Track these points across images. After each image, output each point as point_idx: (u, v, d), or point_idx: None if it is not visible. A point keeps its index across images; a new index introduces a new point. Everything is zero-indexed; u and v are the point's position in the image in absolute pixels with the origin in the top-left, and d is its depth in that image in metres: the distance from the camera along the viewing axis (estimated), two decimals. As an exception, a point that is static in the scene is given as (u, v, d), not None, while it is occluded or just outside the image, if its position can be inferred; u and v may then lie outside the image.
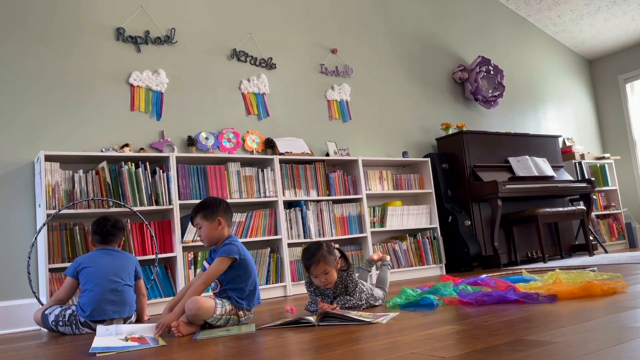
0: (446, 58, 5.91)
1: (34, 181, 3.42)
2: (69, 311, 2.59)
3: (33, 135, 3.50)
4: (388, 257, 3.04)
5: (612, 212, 6.52)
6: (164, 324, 2.12)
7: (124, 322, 2.67)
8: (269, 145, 4.34)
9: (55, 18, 3.72)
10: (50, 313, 2.62)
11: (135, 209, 3.44)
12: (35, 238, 3.09)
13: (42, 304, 2.90)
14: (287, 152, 4.25)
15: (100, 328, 2.09)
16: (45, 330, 2.70)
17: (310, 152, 4.40)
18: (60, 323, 2.59)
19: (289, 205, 4.20)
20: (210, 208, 2.39)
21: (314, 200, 4.27)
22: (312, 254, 2.42)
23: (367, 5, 5.42)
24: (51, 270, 3.15)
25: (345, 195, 4.44)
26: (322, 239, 4.18)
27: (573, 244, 5.60)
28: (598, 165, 6.56)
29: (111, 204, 3.38)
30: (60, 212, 3.14)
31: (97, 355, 1.83)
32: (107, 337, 2.02)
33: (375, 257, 3.08)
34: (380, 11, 5.51)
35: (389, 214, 4.64)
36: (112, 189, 3.43)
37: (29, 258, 2.94)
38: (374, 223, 4.56)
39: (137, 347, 1.92)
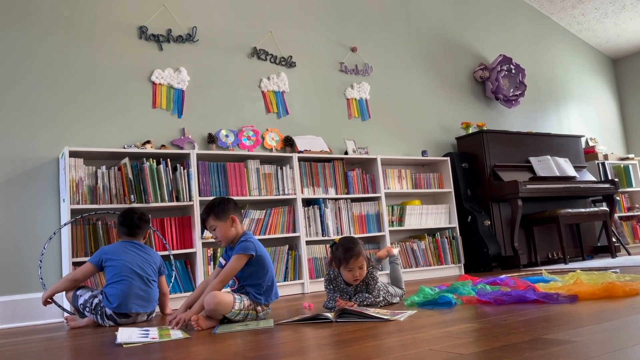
0: (467, 56, 5.86)
1: (59, 176, 3.50)
2: (96, 300, 2.64)
3: (58, 131, 3.57)
4: (395, 251, 2.99)
5: (635, 213, 6.39)
6: (183, 318, 2.15)
7: (147, 318, 2.71)
8: (288, 143, 4.36)
9: (80, 16, 3.80)
10: (80, 295, 2.68)
11: (156, 205, 3.50)
12: (54, 233, 3.16)
13: (55, 302, 2.93)
14: (306, 150, 4.27)
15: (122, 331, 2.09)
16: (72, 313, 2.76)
17: (329, 151, 4.41)
18: (87, 309, 2.65)
19: (307, 203, 4.22)
20: (221, 207, 2.40)
21: (332, 199, 4.28)
22: (354, 247, 2.39)
23: (388, 3, 5.41)
24: (74, 263, 3.21)
25: (363, 193, 4.44)
26: (340, 237, 4.19)
27: (595, 245, 5.52)
28: (622, 165, 6.45)
29: (133, 199, 3.43)
30: (84, 207, 3.22)
31: (124, 346, 1.87)
32: (131, 329, 2.06)
33: (382, 254, 3.02)
34: (401, 9, 5.49)
35: (407, 213, 4.63)
36: (134, 185, 3.48)
37: (44, 248, 3.01)
38: (392, 222, 4.56)
39: (162, 339, 1.96)
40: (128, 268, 2.66)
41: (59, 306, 2.92)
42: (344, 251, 2.39)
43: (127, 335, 1.99)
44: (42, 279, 2.95)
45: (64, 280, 2.76)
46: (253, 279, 2.34)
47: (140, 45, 4.00)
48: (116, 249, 2.75)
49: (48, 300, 2.72)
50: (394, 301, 2.54)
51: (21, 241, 3.35)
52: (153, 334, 2.02)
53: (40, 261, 3.00)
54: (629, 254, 5.51)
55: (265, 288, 2.34)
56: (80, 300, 2.67)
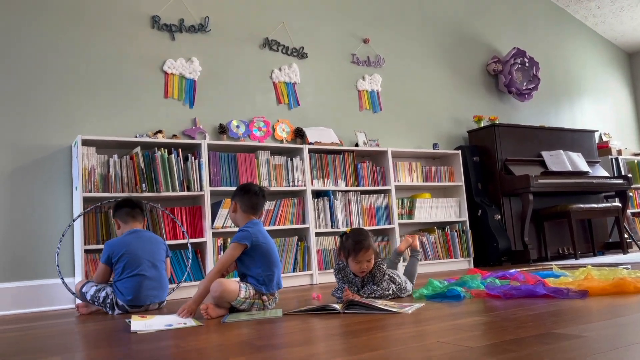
0: (480, 49, 5.81)
1: (71, 165, 3.53)
2: (102, 293, 2.66)
3: (71, 120, 3.60)
4: (418, 245, 2.96)
5: (648, 210, 6.32)
6: (187, 310, 2.17)
7: (159, 306, 2.74)
8: (299, 134, 4.36)
9: (93, 5, 3.81)
10: (87, 292, 2.71)
11: (167, 194, 3.53)
12: (73, 221, 3.19)
13: (65, 284, 2.97)
14: (317, 142, 4.27)
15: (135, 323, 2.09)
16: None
17: (339, 142, 4.40)
18: (96, 303, 2.68)
19: (317, 194, 4.22)
20: (236, 190, 2.49)
21: (342, 191, 4.28)
22: (363, 239, 2.38)
23: (401, -5, 5.36)
24: (86, 251, 3.25)
25: (373, 186, 4.43)
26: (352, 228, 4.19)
27: (606, 241, 5.47)
28: (636, 161, 6.37)
29: (144, 188, 3.46)
30: (96, 196, 3.25)
31: (139, 332, 1.89)
32: (152, 321, 2.09)
33: (403, 246, 2.96)
34: (414, 0, 5.44)
35: (417, 206, 4.62)
36: (146, 174, 3.50)
37: (62, 235, 3.04)
38: (402, 215, 4.55)
39: (176, 326, 1.98)
40: (140, 259, 2.66)
41: (73, 293, 2.97)
42: (353, 243, 2.39)
43: (143, 325, 2.01)
44: (58, 266, 2.98)
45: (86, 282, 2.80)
46: (252, 268, 2.34)
47: (152, 34, 4.01)
48: (122, 242, 2.72)
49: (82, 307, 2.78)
50: (403, 295, 2.53)
51: (34, 228, 3.39)
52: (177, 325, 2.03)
53: (58, 248, 3.02)
54: (641, 250, 5.46)
55: (265, 277, 2.33)
56: (88, 297, 2.70)
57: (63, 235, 3.05)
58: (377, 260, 2.46)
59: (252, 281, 2.32)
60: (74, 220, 3.16)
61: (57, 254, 3.00)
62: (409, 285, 2.58)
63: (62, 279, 2.94)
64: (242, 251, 2.32)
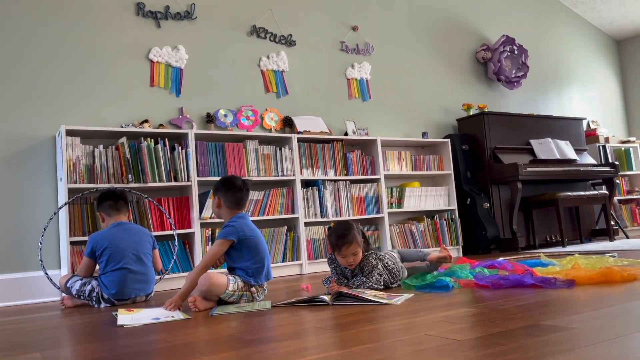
0: (469, 37, 5.79)
1: (56, 155, 3.47)
2: (88, 287, 2.64)
3: (54, 109, 3.54)
4: (451, 257, 2.60)
5: (635, 197, 6.39)
6: (173, 304, 2.15)
7: (146, 299, 2.71)
8: (288, 123, 4.33)
9: (76, -7, 3.73)
10: (72, 287, 2.68)
11: (154, 184, 3.48)
12: (55, 213, 3.14)
13: (49, 278, 2.91)
14: (306, 131, 4.24)
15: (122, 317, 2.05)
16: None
17: (328, 131, 4.38)
18: (82, 297, 2.65)
19: (306, 184, 4.20)
20: (217, 185, 2.43)
21: (331, 180, 4.27)
22: (346, 234, 2.37)
23: (390, -19, 5.31)
24: (72, 243, 3.21)
25: (363, 175, 4.42)
26: (339, 219, 4.19)
27: (593, 228, 5.52)
28: (623, 149, 6.42)
29: (130, 179, 3.41)
30: (82, 187, 3.20)
31: (125, 326, 1.87)
32: (139, 314, 2.06)
33: (435, 257, 2.61)
34: (403, -12, 5.39)
35: (406, 195, 4.62)
36: (132, 164, 3.46)
37: (44, 229, 2.99)
38: (391, 204, 4.55)
39: (163, 320, 1.96)
40: (123, 252, 2.63)
41: (57, 287, 2.93)
42: (336, 238, 2.38)
43: (130, 318, 1.98)
44: (41, 261, 2.93)
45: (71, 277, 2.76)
46: (240, 262, 2.32)
47: (137, 22, 3.94)
48: (107, 235, 2.69)
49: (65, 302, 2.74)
50: (393, 286, 2.52)
51: (18, 220, 3.34)
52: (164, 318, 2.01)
53: (41, 243, 2.98)
54: (627, 237, 5.51)
55: (254, 270, 2.32)
56: (73, 291, 2.67)
57: (45, 229, 3.00)
58: (367, 253, 2.45)
59: (240, 273, 2.31)
60: (55, 213, 3.11)
61: (40, 249, 2.95)
62: (404, 273, 2.58)
63: (46, 273, 2.89)
64: (228, 247, 2.30)
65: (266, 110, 4.32)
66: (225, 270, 2.42)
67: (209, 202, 3.63)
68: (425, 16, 5.49)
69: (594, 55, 7.02)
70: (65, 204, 3.15)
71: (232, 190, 2.39)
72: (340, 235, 2.38)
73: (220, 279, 2.21)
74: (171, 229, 3.48)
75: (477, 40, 5.83)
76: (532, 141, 5.20)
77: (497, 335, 1.30)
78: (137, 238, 2.74)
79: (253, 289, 2.31)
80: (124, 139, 3.48)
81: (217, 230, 3.68)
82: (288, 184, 4.11)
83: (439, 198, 4.80)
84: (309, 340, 1.48)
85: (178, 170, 3.62)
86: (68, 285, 2.70)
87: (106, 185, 3.33)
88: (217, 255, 2.30)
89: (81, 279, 2.69)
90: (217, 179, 2.80)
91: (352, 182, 4.38)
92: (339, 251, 2.38)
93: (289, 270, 3.94)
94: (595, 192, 5.22)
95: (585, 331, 1.29)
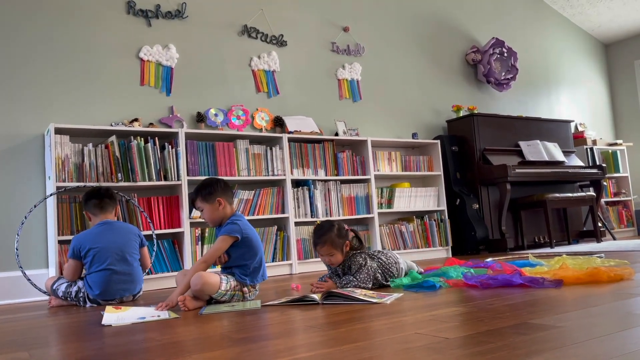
0: (459, 39, 5.82)
1: (44, 154, 3.44)
2: (74, 288, 2.62)
3: (43, 107, 3.50)
4: None
5: (622, 199, 6.46)
6: (168, 304, 2.14)
7: (133, 299, 2.69)
8: (278, 123, 4.32)
9: (66, -10, 3.70)
10: (57, 289, 2.65)
11: (143, 184, 3.47)
12: (35, 206, 3.09)
13: (27, 277, 2.89)
14: (296, 131, 4.24)
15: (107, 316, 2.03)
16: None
17: (319, 132, 4.38)
18: (69, 299, 2.63)
19: (296, 184, 4.20)
20: (208, 190, 2.38)
21: (322, 180, 4.27)
22: (322, 234, 2.44)
23: (381, -17, 5.33)
24: (60, 242, 3.18)
25: (353, 175, 4.43)
26: (329, 219, 4.19)
27: (581, 230, 5.57)
28: (610, 151, 6.49)
29: (120, 178, 3.39)
30: (69, 186, 3.18)
31: (112, 325, 1.86)
32: (125, 314, 2.05)
33: None
34: (394, -11, 5.41)
35: (396, 196, 4.63)
36: (121, 163, 3.44)
37: (22, 223, 2.95)
38: (381, 204, 4.56)
39: (150, 319, 1.95)
40: (107, 252, 2.59)
41: (39, 289, 2.90)
42: (313, 237, 2.49)
43: (115, 318, 1.97)
44: (18, 256, 2.89)
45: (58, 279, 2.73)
46: (240, 260, 2.33)
47: (128, 20, 3.91)
48: (92, 235, 2.66)
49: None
50: (386, 283, 2.52)
51: (5, 219, 3.30)
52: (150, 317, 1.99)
53: (18, 234, 2.94)
54: (614, 238, 5.58)
55: (252, 269, 2.33)
56: (60, 294, 2.65)
57: (22, 224, 2.95)
58: (356, 252, 2.46)
59: (237, 272, 2.31)
60: (35, 206, 3.07)
61: (17, 255, 2.90)
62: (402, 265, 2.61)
63: (24, 273, 2.85)
64: (231, 244, 2.29)
65: (257, 110, 4.32)
66: (217, 269, 2.42)
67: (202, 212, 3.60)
68: (416, 18, 5.52)
69: (582, 58, 7.09)
70: (45, 198, 3.13)
71: (228, 187, 2.45)
72: (316, 235, 2.47)
73: (213, 279, 2.20)
74: (160, 228, 3.46)
75: (467, 42, 5.87)
76: (521, 143, 5.24)
77: (486, 334, 1.31)
78: (123, 237, 2.70)
79: (245, 289, 2.31)
80: (113, 138, 3.46)
81: (208, 230, 3.67)
82: (278, 184, 4.10)
83: (428, 199, 4.82)
84: (298, 338, 1.48)
85: (168, 170, 3.60)
86: (54, 287, 2.67)
87: (96, 185, 3.30)
88: (219, 252, 2.29)
89: (67, 281, 2.66)
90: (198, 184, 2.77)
91: (343, 182, 4.39)
92: (316, 250, 2.47)
93: (279, 270, 3.94)
94: (583, 194, 5.27)
95: (572, 330, 1.30)
